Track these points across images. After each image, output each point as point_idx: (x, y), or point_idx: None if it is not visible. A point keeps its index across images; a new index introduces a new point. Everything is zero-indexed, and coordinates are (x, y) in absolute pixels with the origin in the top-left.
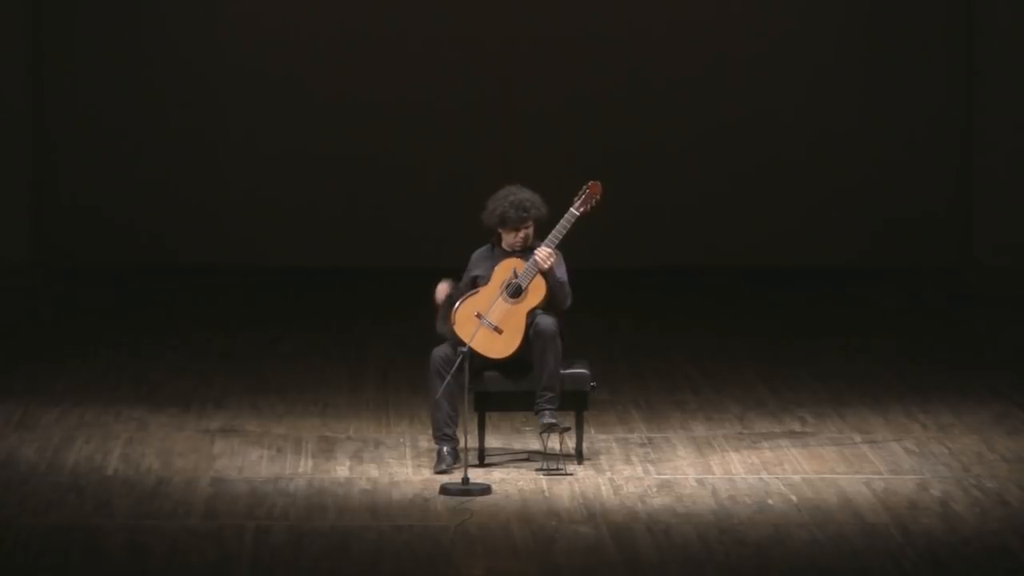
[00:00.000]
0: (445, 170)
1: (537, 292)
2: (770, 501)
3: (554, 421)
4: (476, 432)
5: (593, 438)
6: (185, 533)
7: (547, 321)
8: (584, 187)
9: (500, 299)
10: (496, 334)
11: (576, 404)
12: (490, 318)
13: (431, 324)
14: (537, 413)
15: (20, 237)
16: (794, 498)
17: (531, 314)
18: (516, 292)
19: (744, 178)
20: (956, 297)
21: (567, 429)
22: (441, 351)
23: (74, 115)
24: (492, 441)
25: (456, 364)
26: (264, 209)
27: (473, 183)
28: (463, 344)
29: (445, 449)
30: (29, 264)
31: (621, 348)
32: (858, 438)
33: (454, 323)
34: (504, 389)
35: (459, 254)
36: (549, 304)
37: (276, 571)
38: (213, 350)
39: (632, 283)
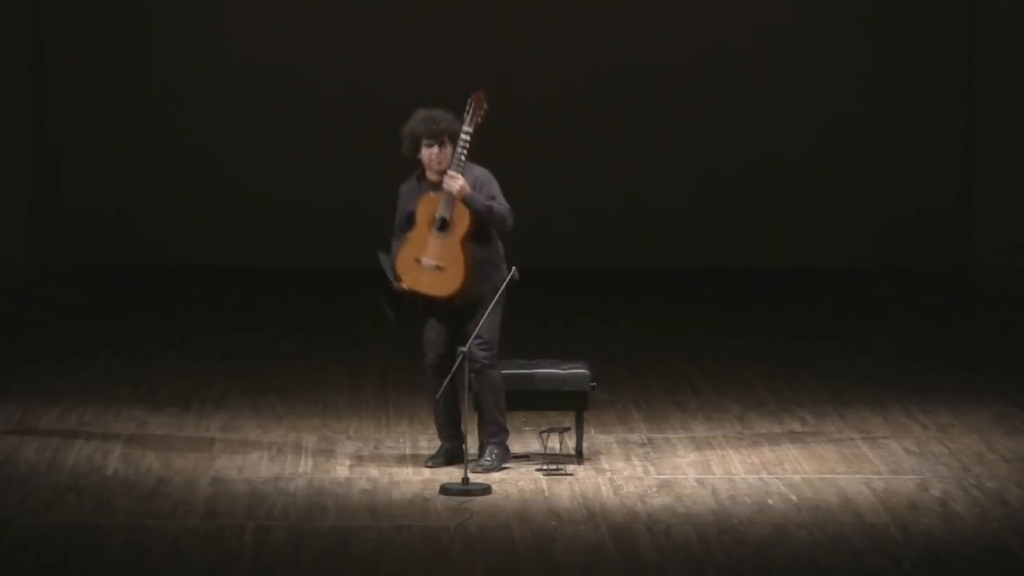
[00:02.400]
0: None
1: (463, 218)
2: (770, 501)
3: (486, 464)
4: (476, 432)
5: (593, 438)
6: (185, 533)
7: (476, 354)
8: (468, 101)
9: (432, 237)
10: (439, 272)
11: (576, 404)
12: (428, 258)
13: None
14: (486, 445)
15: (20, 237)
16: (794, 498)
17: (467, 241)
18: (443, 226)
19: (744, 178)
20: (956, 297)
21: (567, 429)
22: (431, 360)
23: (74, 115)
24: None
25: (456, 364)
26: (264, 209)
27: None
28: (403, 288)
29: (445, 447)
30: (29, 264)
31: (621, 348)
32: (858, 438)
33: (399, 278)
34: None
35: None
36: (488, 227)
37: (276, 571)
38: (213, 350)
39: (632, 283)
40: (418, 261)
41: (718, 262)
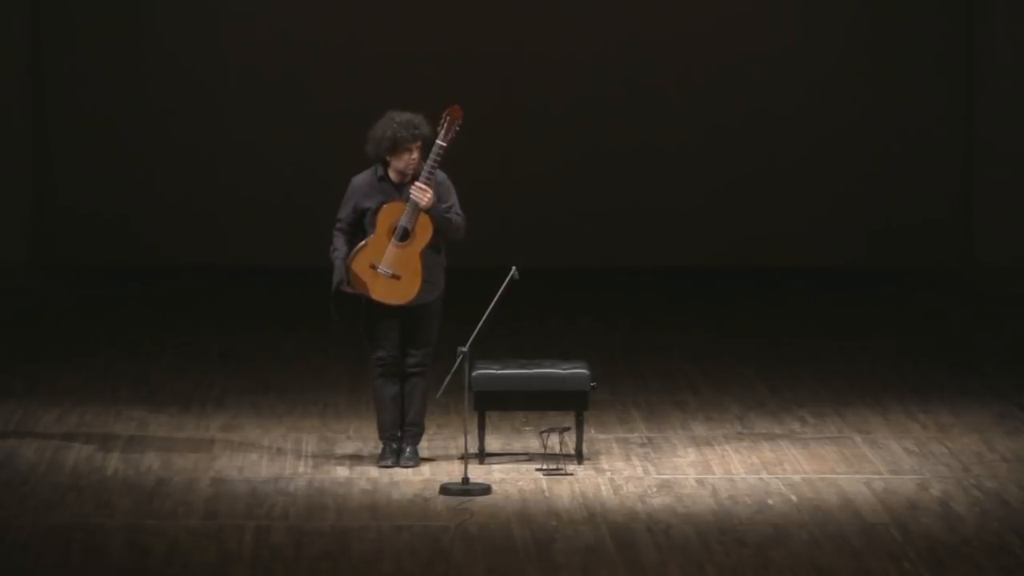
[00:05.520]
0: (444, 171)
1: (425, 230)
2: (770, 501)
3: (411, 464)
4: (476, 432)
5: (593, 438)
6: (185, 533)
7: (424, 361)
8: (444, 115)
9: (391, 245)
10: (395, 280)
11: (576, 404)
12: (385, 266)
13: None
14: (401, 441)
15: (20, 237)
16: (794, 498)
17: (425, 252)
18: (404, 235)
19: (745, 179)
20: (956, 297)
21: (567, 429)
22: (382, 360)
23: (74, 116)
24: (492, 441)
25: (456, 364)
26: (264, 209)
27: (473, 185)
28: (350, 290)
29: (392, 447)
30: (29, 264)
31: (621, 348)
32: (858, 438)
33: (351, 282)
34: (504, 389)
35: (458, 255)
36: (442, 238)
37: (276, 571)
38: (213, 350)
39: (632, 283)
40: (373, 267)
41: (718, 262)
